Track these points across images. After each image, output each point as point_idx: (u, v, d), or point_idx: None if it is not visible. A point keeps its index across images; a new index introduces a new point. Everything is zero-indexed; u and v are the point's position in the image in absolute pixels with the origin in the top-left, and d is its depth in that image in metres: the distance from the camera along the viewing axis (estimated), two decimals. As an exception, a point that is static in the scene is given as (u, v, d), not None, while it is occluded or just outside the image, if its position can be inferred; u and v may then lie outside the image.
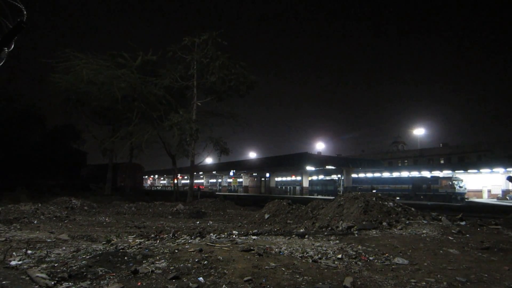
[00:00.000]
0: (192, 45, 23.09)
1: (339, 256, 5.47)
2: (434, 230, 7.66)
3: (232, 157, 38.80)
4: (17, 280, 4.16)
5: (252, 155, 69.99)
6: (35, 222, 11.33)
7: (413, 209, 10.26)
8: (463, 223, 8.86)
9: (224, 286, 3.93)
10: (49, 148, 35.48)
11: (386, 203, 10.05)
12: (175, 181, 32.35)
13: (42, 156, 34.24)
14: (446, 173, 40.09)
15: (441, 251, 5.87)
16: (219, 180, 75.22)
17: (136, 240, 6.84)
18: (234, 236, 7.33)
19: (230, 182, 70.35)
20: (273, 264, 4.75)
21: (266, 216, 12.16)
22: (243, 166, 55.43)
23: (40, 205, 14.18)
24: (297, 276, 4.33)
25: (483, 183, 40.02)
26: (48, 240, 7.03)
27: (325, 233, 7.97)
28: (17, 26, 3.40)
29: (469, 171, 39.58)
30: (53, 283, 4.00)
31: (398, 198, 30.50)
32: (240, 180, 66.94)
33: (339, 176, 48.63)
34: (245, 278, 4.11)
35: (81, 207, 16.69)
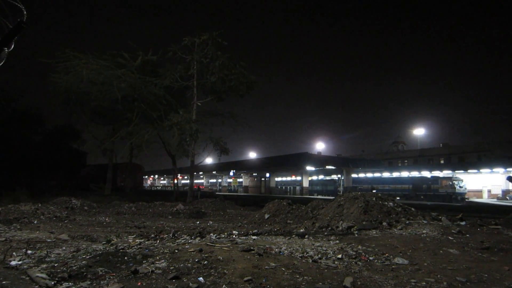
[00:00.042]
0: (192, 45, 23.09)
1: (339, 256, 5.47)
2: (434, 230, 7.66)
3: (232, 157, 38.96)
4: (17, 280, 4.16)
5: (252, 155, 69.92)
6: (35, 222, 11.34)
7: (413, 209, 10.27)
8: (463, 223, 8.86)
9: (224, 286, 3.93)
10: (49, 148, 35.39)
11: (386, 203, 10.06)
12: (175, 181, 32.37)
13: (42, 156, 34.15)
14: (446, 173, 40.09)
15: (441, 251, 5.88)
16: (219, 180, 75.13)
17: (136, 240, 6.84)
18: (234, 236, 7.33)
19: (230, 182, 70.28)
20: (273, 264, 4.75)
21: (266, 216, 12.16)
22: (243, 166, 55.37)
23: (40, 205, 14.17)
24: (297, 276, 4.33)
25: (483, 183, 40.07)
26: (48, 240, 7.04)
27: (325, 233, 7.98)
28: (17, 26, 3.40)
29: (469, 171, 39.60)
30: (53, 283, 4.00)
31: (398, 198, 30.49)
32: (240, 180, 66.90)
33: (339, 176, 48.59)
34: (245, 278, 4.12)
35: (81, 207, 16.70)
